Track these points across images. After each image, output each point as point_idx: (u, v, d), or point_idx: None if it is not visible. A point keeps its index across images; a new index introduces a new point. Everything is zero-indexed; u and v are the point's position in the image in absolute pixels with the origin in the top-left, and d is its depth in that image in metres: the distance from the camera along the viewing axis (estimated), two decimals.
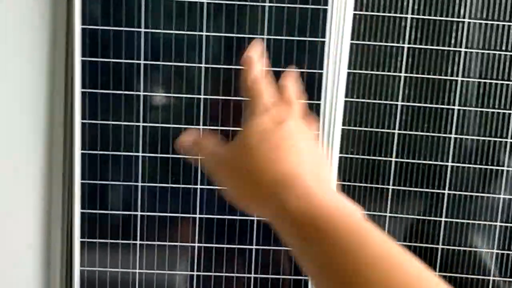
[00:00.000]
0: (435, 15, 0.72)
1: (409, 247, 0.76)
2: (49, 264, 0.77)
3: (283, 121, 0.42)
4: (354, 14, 0.72)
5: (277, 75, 0.71)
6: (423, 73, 0.73)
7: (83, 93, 0.71)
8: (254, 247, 0.75)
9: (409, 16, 0.72)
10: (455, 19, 0.72)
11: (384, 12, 0.72)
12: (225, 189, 0.45)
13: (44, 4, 0.71)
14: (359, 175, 0.75)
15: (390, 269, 0.34)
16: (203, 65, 0.71)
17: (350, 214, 0.38)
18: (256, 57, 0.47)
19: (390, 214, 0.76)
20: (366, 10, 0.72)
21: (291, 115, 0.43)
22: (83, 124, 0.72)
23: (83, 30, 0.70)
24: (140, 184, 0.73)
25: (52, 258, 0.77)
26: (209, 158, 0.45)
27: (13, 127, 0.73)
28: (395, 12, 0.72)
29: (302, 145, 0.41)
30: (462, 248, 0.76)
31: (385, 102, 0.74)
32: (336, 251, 0.34)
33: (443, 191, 0.75)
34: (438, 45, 0.73)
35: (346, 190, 0.75)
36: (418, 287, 0.33)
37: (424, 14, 0.72)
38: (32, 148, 0.74)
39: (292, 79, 0.47)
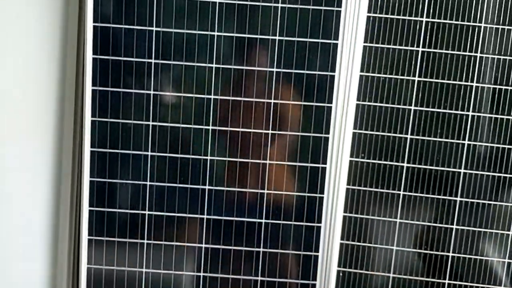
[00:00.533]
0: (450, 19, 0.71)
1: (419, 254, 0.75)
2: (56, 261, 0.77)
3: None
4: (368, 16, 0.71)
5: (288, 77, 0.71)
6: (437, 78, 0.72)
7: (93, 91, 0.71)
8: (261, 249, 0.74)
9: (424, 19, 0.71)
10: (471, 23, 0.71)
11: (398, 15, 0.71)
12: None
13: (56, 2, 0.71)
14: (370, 179, 0.74)
15: None
16: (213, 65, 0.70)
17: None
18: None
19: (400, 220, 0.75)
20: (380, 13, 0.71)
21: None
22: (93, 122, 0.72)
23: (95, 28, 0.70)
24: (148, 183, 0.73)
25: (60, 255, 0.77)
26: None
27: (24, 124, 0.74)
28: (410, 15, 0.71)
29: None
30: (473, 257, 0.75)
31: (397, 106, 0.73)
32: None
33: (455, 198, 0.74)
34: (453, 50, 0.71)
35: (357, 194, 0.74)
36: None
37: (439, 18, 0.71)
38: (42, 146, 0.75)
39: None
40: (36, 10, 0.71)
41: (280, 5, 0.69)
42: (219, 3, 0.69)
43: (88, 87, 0.71)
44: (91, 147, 0.72)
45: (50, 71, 0.73)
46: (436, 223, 0.75)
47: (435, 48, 0.71)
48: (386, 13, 0.71)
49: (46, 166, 0.75)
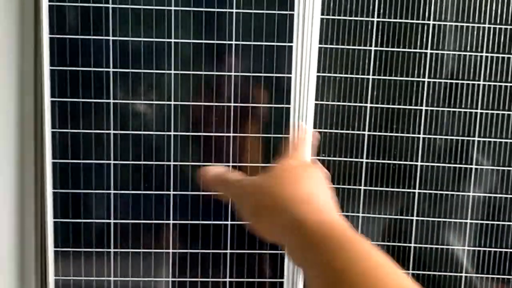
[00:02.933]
0: (400, 18, 0.73)
1: (382, 246, 0.77)
2: (23, 274, 0.77)
3: (310, 164, 0.54)
4: (322, 19, 0.73)
5: (246, 81, 0.72)
6: (390, 75, 0.75)
7: (52, 102, 0.71)
8: (228, 251, 0.75)
9: (375, 19, 0.73)
10: (420, 21, 0.73)
11: (351, 16, 0.73)
12: (250, 220, 0.51)
13: (11, 14, 0.71)
14: (331, 176, 0.76)
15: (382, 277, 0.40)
16: (172, 71, 0.71)
17: (350, 229, 0.45)
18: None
19: (363, 214, 0.77)
20: (333, 15, 0.73)
21: (306, 162, 0.56)
22: (53, 133, 0.72)
23: (51, 39, 0.70)
24: (112, 191, 0.73)
25: (27, 268, 0.76)
26: (238, 190, 0.52)
27: None
28: (362, 16, 0.73)
29: (317, 180, 0.52)
30: (434, 246, 0.78)
31: (354, 104, 0.75)
32: (342, 256, 0.40)
33: (414, 190, 0.77)
34: (404, 47, 0.74)
35: None
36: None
37: (390, 18, 0.73)
38: (3, 158, 0.74)
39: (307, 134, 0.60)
40: None
41: (234, 10, 0.70)
42: (175, 10, 0.70)
43: (47, 99, 0.71)
44: (53, 158, 0.72)
45: (8, 84, 0.72)
46: (397, 215, 0.77)
47: (387, 46, 0.74)
48: (339, 15, 0.73)
49: (8, 179, 0.74)
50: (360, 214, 0.77)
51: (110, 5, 0.69)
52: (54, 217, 0.74)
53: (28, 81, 0.73)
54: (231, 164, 0.74)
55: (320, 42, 0.73)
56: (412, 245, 0.78)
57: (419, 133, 0.76)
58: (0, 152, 0.74)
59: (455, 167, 0.77)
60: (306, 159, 0.54)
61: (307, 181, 0.50)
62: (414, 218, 0.77)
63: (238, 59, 0.71)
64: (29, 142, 0.74)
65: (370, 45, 0.74)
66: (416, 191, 0.77)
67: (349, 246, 0.41)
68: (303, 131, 0.59)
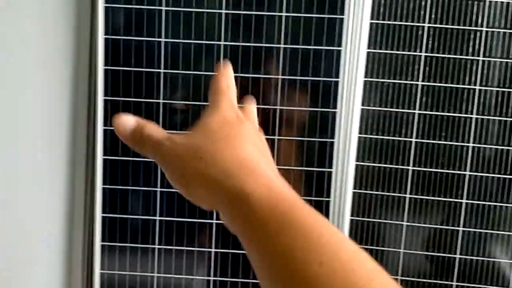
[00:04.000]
0: (452, 24, 0.72)
1: (426, 257, 0.76)
2: (70, 267, 0.79)
3: (243, 119, 0.46)
4: (371, 23, 0.72)
5: (293, 84, 0.73)
6: (440, 82, 0.73)
7: (105, 101, 0.73)
8: None
9: (426, 25, 0.72)
10: (472, 28, 0.72)
11: (401, 21, 0.72)
12: (181, 187, 0.45)
13: (68, 14, 0.74)
14: (376, 183, 0.75)
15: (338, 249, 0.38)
16: None
17: (300, 200, 0.40)
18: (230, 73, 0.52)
19: (407, 223, 0.76)
20: (383, 19, 0.72)
21: (249, 118, 0.48)
22: (105, 131, 0.74)
23: (106, 40, 0.72)
24: (159, 189, 0.75)
25: (74, 260, 0.79)
26: (161, 147, 0.44)
27: (38, 133, 0.76)
28: (412, 21, 0.72)
29: (258, 141, 0.45)
30: (480, 258, 0.75)
31: (402, 110, 0.74)
32: (294, 230, 0.37)
33: (461, 200, 0.75)
34: (455, 54, 0.73)
35: (363, 198, 0.75)
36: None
37: (441, 23, 0.72)
38: (56, 154, 0.77)
39: (226, 71, 0.51)
40: (47, 24, 0.73)
41: (284, 14, 0.71)
42: (225, 13, 0.71)
43: (100, 98, 0.73)
44: (103, 155, 0.75)
45: (63, 83, 0.75)
46: (442, 225, 0.76)
47: (438, 52, 0.73)
48: (389, 20, 0.72)
49: (60, 174, 0.77)
50: (405, 223, 0.76)
51: (164, 8, 0.71)
52: (103, 212, 0.76)
53: (83, 80, 0.75)
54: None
55: (369, 47, 0.73)
56: (457, 256, 0.76)
57: (468, 142, 0.74)
58: (54, 147, 0.77)
59: (504, 178, 0.74)
60: (235, 107, 0.46)
61: (246, 140, 0.42)
62: (461, 228, 0.75)
63: (285, 62, 0.72)
64: (82, 138, 0.76)
65: (420, 51, 0.73)
66: (464, 201, 0.75)
67: (301, 225, 0.36)
68: (226, 72, 0.50)
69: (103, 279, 0.77)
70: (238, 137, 0.43)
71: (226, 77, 0.49)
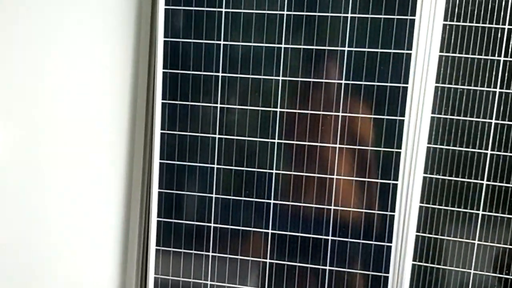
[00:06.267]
0: None
1: (499, 279, 0.70)
2: (125, 270, 0.79)
3: None
4: (444, 25, 0.67)
5: (357, 89, 0.69)
6: None
7: (163, 104, 0.73)
8: (327, 267, 0.72)
9: (507, 27, 0.66)
10: None
11: (478, 22, 0.67)
12: None
13: (129, 17, 0.74)
14: (445, 197, 0.70)
15: None
16: (280, 77, 0.70)
17: None
18: None
19: (479, 242, 0.70)
20: (458, 20, 0.67)
21: None
22: (162, 135, 0.73)
23: (165, 42, 0.71)
24: (214, 195, 0.73)
25: (129, 264, 0.79)
26: None
27: (97, 136, 0.77)
28: (491, 23, 0.66)
29: None
30: None
31: (476, 119, 0.68)
32: None
33: None
34: None
35: (431, 213, 0.70)
36: None
37: None
38: (114, 157, 0.77)
39: None
40: (111, 27, 0.74)
41: (349, 15, 0.67)
42: (287, 15, 0.68)
43: (158, 101, 0.73)
44: (160, 159, 0.74)
45: (124, 85, 0.75)
46: None
47: None
48: (464, 21, 0.67)
49: (119, 177, 0.77)
50: (476, 242, 0.70)
51: (223, 9, 0.69)
52: (158, 216, 0.75)
53: (142, 83, 0.75)
54: (335, 176, 0.70)
55: (441, 50, 0.67)
56: None
57: None
58: (113, 150, 0.77)
59: None
60: None
61: None
62: None
63: (350, 66, 0.68)
64: (140, 142, 0.76)
65: (499, 55, 0.67)
66: None
67: None
68: None
69: (157, 283, 0.76)
70: None
71: None
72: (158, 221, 0.75)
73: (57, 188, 0.78)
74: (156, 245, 0.76)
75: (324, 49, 0.68)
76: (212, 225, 0.74)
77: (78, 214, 0.79)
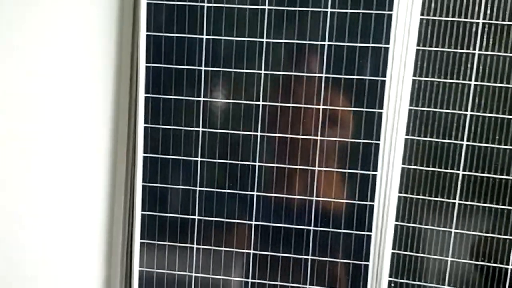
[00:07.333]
0: (509, 20, 0.68)
1: (475, 266, 0.72)
2: (110, 263, 0.80)
3: None
4: (421, 19, 0.69)
5: (337, 82, 0.70)
6: (495, 82, 0.69)
7: (146, 98, 0.73)
8: (310, 257, 0.73)
9: (481, 21, 0.68)
10: None
11: (453, 17, 0.69)
12: None
13: (111, 12, 0.74)
14: (423, 187, 0.72)
15: None
16: (262, 71, 0.71)
17: None
18: None
19: (455, 230, 0.72)
20: (434, 15, 0.69)
21: None
22: (145, 128, 0.74)
23: (148, 36, 0.72)
24: (198, 188, 0.74)
25: (114, 257, 0.79)
26: None
27: (80, 130, 0.77)
28: (466, 17, 0.68)
29: None
30: None
31: (452, 111, 0.70)
32: None
33: None
34: None
35: (409, 203, 0.72)
36: None
37: (497, 19, 0.68)
38: (97, 151, 0.77)
39: None
40: (93, 21, 0.74)
41: (329, 10, 0.69)
42: (269, 9, 0.69)
43: (141, 95, 0.73)
44: (144, 152, 0.74)
45: (106, 79, 0.75)
46: (494, 233, 0.71)
47: (493, 50, 0.68)
48: (440, 15, 0.69)
49: (103, 171, 0.77)
50: (453, 230, 0.72)
51: (206, 4, 0.70)
52: (142, 210, 0.76)
53: (125, 77, 0.75)
54: (316, 168, 0.72)
55: (418, 44, 0.69)
56: (510, 266, 0.71)
57: None
58: (96, 145, 0.77)
59: None
60: None
61: None
62: None
63: (330, 60, 0.69)
64: (123, 136, 0.77)
65: (474, 49, 0.69)
66: None
67: None
68: None
69: (142, 276, 0.77)
70: None
71: None
72: (142, 214, 0.76)
73: (40, 183, 0.78)
74: (141, 239, 0.76)
75: (305, 43, 0.69)
76: (196, 217, 0.75)
77: (62, 209, 0.79)
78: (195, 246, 0.75)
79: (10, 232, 0.79)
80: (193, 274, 0.76)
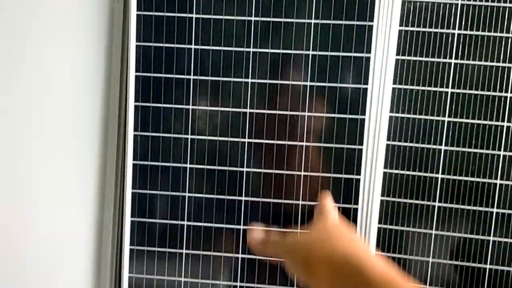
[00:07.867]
0: (483, 31, 0.71)
1: (455, 266, 0.75)
2: (99, 269, 0.80)
3: (338, 223, 0.57)
4: (400, 30, 0.72)
5: (321, 91, 0.73)
6: (471, 89, 0.72)
7: (136, 107, 0.75)
8: None
9: (456, 31, 0.72)
10: (504, 34, 0.71)
11: (430, 28, 0.72)
12: (300, 272, 0.53)
13: (102, 22, 0.75)
14: (404, 191, 0.75)
15: None
16: (249, 80, 0.73)
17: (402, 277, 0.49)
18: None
19: (436, 232, 0.75)
20: (412, 26, 0.72)
21: (340, 222, 0.58)
22: (135, 136, 0.75)
23: (138, 47, 0.73)
24: (187, 194, 0.76)
25: (103, 263, 0.80)
26: (290, 245, 0.54)
27: (70, 138, 0.78)
28: (442, 28, 0.72)
29: (354, 236, 0.55)
30: (511, 269, 0.74)
31: (431, 117, 0.73)
32: None
33: (491, 210, 0.74)
34: (486, 61, 0.72)
35: (391, 206, 0.75)
36: None
37: (472, 30, 0.71)
38: (87, 158, 0.78)
39: (327, 199, 0.61)
40: (84, 32, 0.75)
41: (313, 21, 0.71)
42: (255, 21, 0.72)
43: (131, 103, 0.75)
44: (134, 160, 0.76)
45: (97, 88, 0.77)
46: (472, 234, 0.74)
47: (468, 59, 0.72)
48: (418, 26, 0.72)
49: (93, 179, 0.78)
50: (433, 232, 0.75)
51: (194, 15, 0.72)
52: (132, 216, 0.77)
53: (115, 86, 0.77)
54: (302, 173, 0.74)
55: (397, 54, 0.73)
56: (488, 266, 0.74)
57: (499, 150, 0.73)
58: (86, 152, 0.78)
59: None
60: (337, 220, 0.58)
61: (351, 238, 0.53)
62: (491, 238, 0.74)
63: (314, 69, 0.72)
64: (113, 144, 0.78)
65: (450, 58, 0.72)
66: (494, 210, 0.74)
67: None
68: (328, 199, 0.62)
69: (132, 283, 0.78)
70: (345, 234, 0.54)
71: (328, 201, 0.61)
72: (132, 221, 0.77)
73: (30, 190, 0.79)
74: (130, 245, 0.78)
75: (290, 53, 0.72)
76: (186, 223, 0.76)
77: (51, 215, 0.79)
78: (184, 251, 0.77)
79: None
80: (182, 279, 0.77)
